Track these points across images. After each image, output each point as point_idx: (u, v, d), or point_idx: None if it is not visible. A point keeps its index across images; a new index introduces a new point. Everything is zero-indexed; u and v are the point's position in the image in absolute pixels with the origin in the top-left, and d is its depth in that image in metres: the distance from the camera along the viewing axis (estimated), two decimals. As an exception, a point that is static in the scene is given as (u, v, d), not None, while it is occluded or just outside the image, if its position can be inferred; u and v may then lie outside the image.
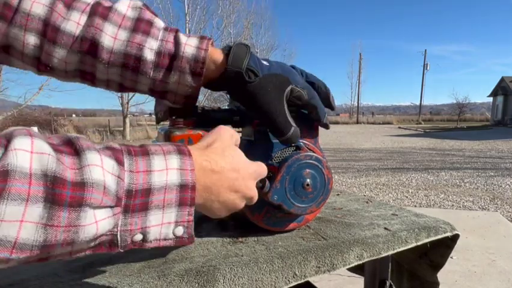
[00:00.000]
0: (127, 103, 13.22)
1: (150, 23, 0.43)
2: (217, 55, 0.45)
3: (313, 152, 0.53)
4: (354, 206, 0.71)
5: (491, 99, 26.58)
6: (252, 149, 0.51)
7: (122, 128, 13.35)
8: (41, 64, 0.42)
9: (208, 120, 0.51)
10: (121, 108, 13.29)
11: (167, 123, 0.56)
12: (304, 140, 0.54)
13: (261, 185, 0.47)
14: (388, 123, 30.77)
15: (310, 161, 0.50)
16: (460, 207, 3.28)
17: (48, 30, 0.40)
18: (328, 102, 0.53)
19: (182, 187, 0.29)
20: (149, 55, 0.43)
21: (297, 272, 0.44)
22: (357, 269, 0.69)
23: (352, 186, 4.25)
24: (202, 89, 0.48)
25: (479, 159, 6.37)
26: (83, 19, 0.41)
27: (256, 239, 0.52)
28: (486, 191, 3.86)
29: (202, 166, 0.32)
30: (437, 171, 5.12)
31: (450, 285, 1.77)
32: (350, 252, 0.48)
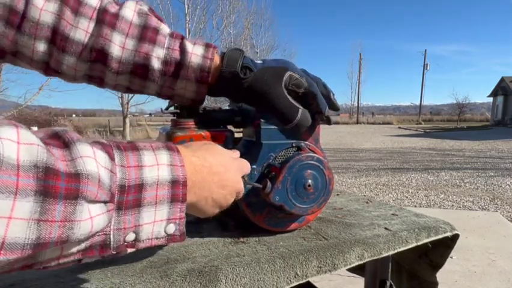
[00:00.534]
0: (127, 103, 13.22)
1: (156, 31, 0.44)
2: (216, 61, 0.46)
3: (315, 152, 0.53)
4: (354, 206, 0.71)
5: (491, 99, 26.58)
6: (253, 149, 0.51)
7: (122, 128, 13.35)
8: (49, 69, 0.43)
9: (210, 120, 0.52)
10: (121, 109, 13.28)
11: (168, 123, 0.57)
12: (305, 141, 0.54)
13: (259, 187, 0.48)
14: (388, 123, 30.76)
15: (312, 162, 0.50)
16: (460, 207, 3.28)
17: (58, 39, 0.41)
18: (330, 102, 0.52)
19: (174, 183, 0.29)
20: (156, 64, 0.44)
21: (298, 272, 0.44)
22: (357, 269, 0.69)
23: (352, 186, 4.26)
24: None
25: (479, 159, 6.37)
26: (91, 27, 0.42)
27: (257, 239, 0.52)
28: (486, 191, 3.86)
29: (192, 162, 0.32)
30: (437, 172, 5.12)
31: (450, 285, 1.77)
32: (351, 252, 0.48)
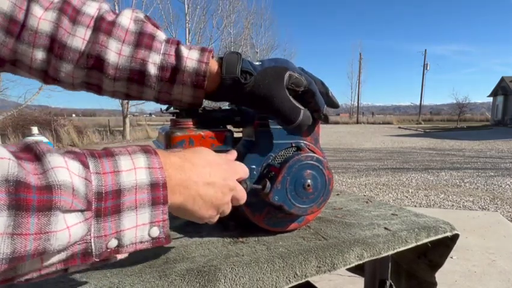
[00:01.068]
0: (127, 103, 13.21)
1: (152, 37, 0.44)
2: (214, 66, 0.46)
3: (314, 152, 0.53)
4: (354, 206, 0.71)
5: (491, 99, 26.57)
6: (252, 149, 0.51)
7: (122, 128, 13.35)
8: (48, 77, 0.44)
9: (209, 120, 0.52)
10: (121, 108, 13.29)
11: (168, 123, 0.57)
12: (305, 141, 0.54)
13: (259, 187, 0.47)
14: (388, 123, 30.76)
15: (311, 162, 0.50)
16: (460, 207, 3.28)
17: (55, 47, 0.41)
18: (329, 99, 0.52)
19: (153, 185, 0.28)
20: (152, 70, 0.44)
21: (297, 272, 0.44)
22: (357, 269, 0.69)
23: (352, 186, 4.25)
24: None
25: (479, 159, 6.37)
26: (88, 34, 0.42)
27: (256, 239, 0.52)
28: (486, 191, 3.86)
29: (172, 162, 0.32)
30: (437, 171, 5.12)
31: (450, 285, 1.77)
32: (351, 252, 0.48)
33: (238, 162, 0.41)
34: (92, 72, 0.44)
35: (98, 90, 0.46)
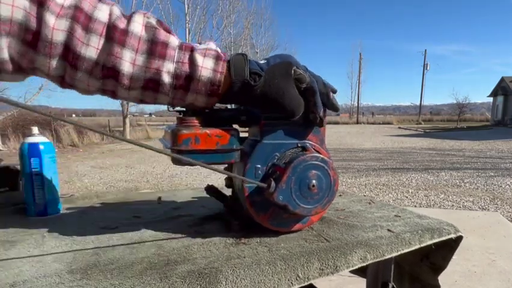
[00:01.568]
0: (127, 103, 13.20)
1: (165, 45, 0.44)
2: (224, 78, 0.46)
3: (320, 153, 0.52)
4: (356, 207, 0.70)
5: (491, 99, 26.58)
6: (258, 148, 0.51)
7: (122, 128, 13.35)
8: (65, 83, 0.45)
9: (215, 119, 0.51)
10: (121, 109, 13.28)
11: (168, 123, 0.56)
12: (310, 141, 0.54)
13: (265, 186, 0.47)
14: (388, 123, 30.76)
15: (316, 162, 0.50)
16: (460, 207, 3.28)
17: (70, 56, 0.41)
18: (329, 102, 0.52)
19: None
20: (166, 78, 0.44)
21: (300, 274, 0.44)
22: (359, 271, 0.68)
23: (352, 186, 4.25)
24: None
25: (479, 159, 6.37)
26: (101, 43, 0.42)
27: (258, 241, 0.52)
28: (486, 191, 3.86)
29: None
30: (437, 171, 5.11)
31: (450, 285, 1.76)
32: (353, 254, 0.48)
33: None
34: (107, 81, 0.44)
35: (113, 95, 0.47)
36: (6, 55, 0.39)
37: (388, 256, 0.49)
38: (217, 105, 0.52)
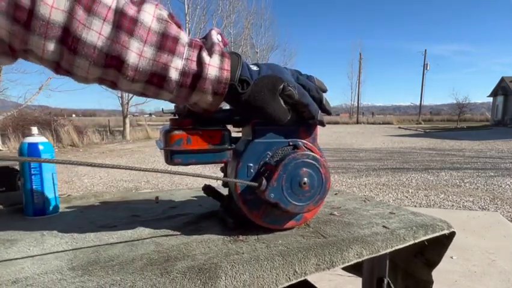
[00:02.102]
0: (127, 103, 13.22)
1: (176, 40, 0.42)
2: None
3: (311, 151, 0.53)
4: (352, 205, 0.71)
5: (491, 99, 26.55)
6: (250, 147, 0.52)
7: (122, 128, 13.35)
8: (60, 68, 0.42)
9: (209, 120, 0.52)
10: (121, 109, 13.29)
11: (168, 123, 0.57)
12: (302, 140, 0.55)
13: (256, 185, 0.48)
14: (388, 123, 30.74)
15: (307, 160, 0.50)
16: (460, 207, 3.28)
17: (69, 40, 0.38)
18: (322, 106, 0.52)
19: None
20: (174, 75, 0.43)
21: (297, 269, 0.45)
22: (353, 269, 0.69)
23: (352, 186, 4.26)
24: None
25: (479, 159, 6.37)
26: (106, 29, 0.39)
27: (256, 237, 0.53)
28: (486, 191, 3.86)
29: None
30: (437, 171, 5.12)
31: (450, 285, 1.77)
32: (350, 250, 0.48)
33: None
34: (109, 71, 0.42)
35: (113, 86, 0.45)
36: None
37: (383, 252, 0.50)
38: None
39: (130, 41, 0.40)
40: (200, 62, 0.44)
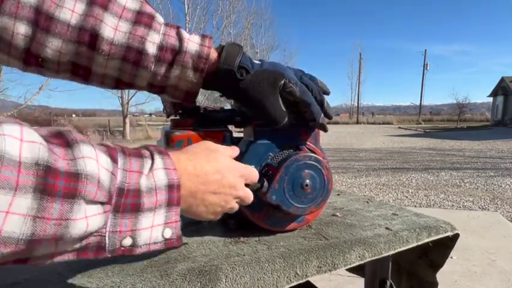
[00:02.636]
0: (127, 103, 13.22)
1: (152, 17, 0.42)
2: (213, 54, 0.46)
3: (314, 152, 0.53)
4: (354, 206, 0.71)
5: (491, 99, 26.57)
6: (251, 149, 0.51)
7: (122, 128, 13.36)
8: (30, 56, 0.39)
9: (210, 120, 0.52)
10: (121, 108, 13.29)
11: (168, 123, 0.57)
12: (304, 141, 0.54)
13: (257, 187, 0.48)
14: (388, 123, 30.76)
15: (310, 162, 0.50)
16: (460, 207, 3.28)
17: (41, 19, 0.37)
18: (322, 109, 0.51)
19: (170, 187, 0.29)
20: (151, 49, 0.42)
21: (298, 272, 0.44)
22: (356, 270, 0.69)
23: (352, 186, 4.26)
24: (202, 89, 0.49)
25: (479, 159, 6.37)
26: (79, 7, 0.39)
27: (257, 239, 0.53)
28: (486, 191, 3.86)
29: (186, 171, 0.32)
30: (437, 171, 5.12)
31: (450, 285, 1.77)
32: (352, 252, 0.48)
33: (249, 168, 0.41)
34: (82, 49, 0.40)
35: (85, 74, 0.43)
36: None
37: (386, 254, 0.50)
38: (212, 106, 0.53)
39: (104, 15, 0.39)
40: (179, 37, 0.43)
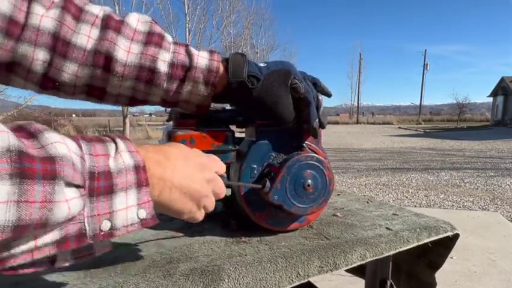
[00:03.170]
0: (127, 103, 13.18)
1: (161, 37, 0.45)
2: (220, 68, 0.47)
3: (315, 152, 0.53)
4: (355, 206, 0.71)
5: (491, 99, 26.57)
6: (253, 149, 0.52)
7: (122, 128, 13.35)
8: (48, 81, 0.41)
9: (212, 120, 0.52)
10: (121, 108, 13.28)
11: (168, 123, 0.57)
12: (306, 141, 0.54)
13: (260, 186, 0.48)
14: (388, 123, 30.75)
15: (311, 162, 0.50)
16: (460, 207, 3.28)
17: (59, 44, 0.39)
18: (318, 115, 0.51)
19: (137, 168, 0.29)
20: (162, 67, 0.44)
21: (300, 272, 0.45)
22: (355, 270, 0.69)
23: (352, 186, 4.26)
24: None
25: (479, 159, 6.37)
26: (94, 32, 0.41)
27: (259, 239, 0.53)
28: (486, 191, 3.86)
29: (150, 157, 0.32)
30: (437, 171, 5.12)
31: (450, 285, 1.77)
32: (353, 252, 0.48)
33: (214, 157, 0.40)
34: (97, 72, 0.42)
35: (100, 95, 0.45)
36: None
37: (387, 254, 0.50)
38: (214, 105, 0.53)
39: (118, 38, 0.42)
40: (188, 54, 0.45)
